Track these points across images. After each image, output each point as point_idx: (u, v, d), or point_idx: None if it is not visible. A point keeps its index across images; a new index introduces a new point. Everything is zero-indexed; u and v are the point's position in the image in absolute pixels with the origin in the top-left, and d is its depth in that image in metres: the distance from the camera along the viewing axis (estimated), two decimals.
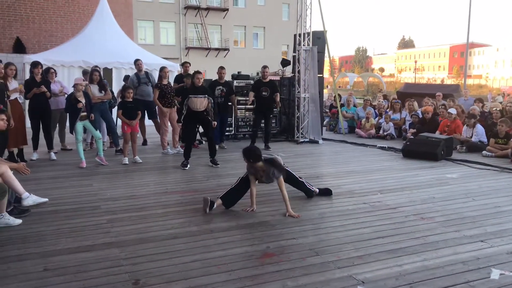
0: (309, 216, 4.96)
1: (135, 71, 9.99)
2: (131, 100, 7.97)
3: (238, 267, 3.59)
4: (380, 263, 3.69)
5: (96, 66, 9.97)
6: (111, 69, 13.53)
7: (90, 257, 3.75)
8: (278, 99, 9.68)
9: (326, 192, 5.86)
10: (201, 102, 7.46)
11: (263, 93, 9.43)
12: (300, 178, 5.75)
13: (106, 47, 13.79)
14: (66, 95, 8.80)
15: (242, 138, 11.08)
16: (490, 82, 58.93)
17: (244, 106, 10.76)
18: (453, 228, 4.59)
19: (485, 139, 9.50)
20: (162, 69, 8.89)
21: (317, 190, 5.81)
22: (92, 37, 14.11)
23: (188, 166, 7.54)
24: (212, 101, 7.65)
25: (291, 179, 5.58)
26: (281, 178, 5.08)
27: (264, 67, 9.73)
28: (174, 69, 14.68)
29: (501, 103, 13.59)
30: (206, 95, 7.55)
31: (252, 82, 11.63)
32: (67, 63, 13.09)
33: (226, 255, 3.83)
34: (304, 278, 3.40)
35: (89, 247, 3.98)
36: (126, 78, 10.41)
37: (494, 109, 10.71)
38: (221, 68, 9.55)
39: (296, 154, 9.26)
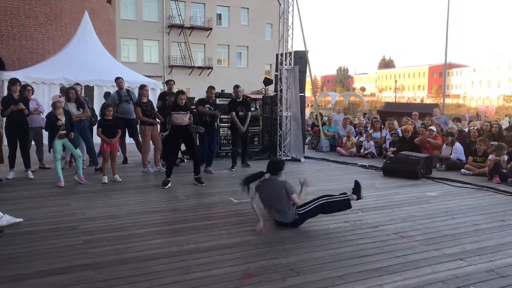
0: (290, 235, 4.93)
1: (117, 89, 9.94)
2: (111, 118, 7.89)
3: None
4: (361, 283, 3.67)
5: (77, 84, 9.87)
6: (93, 87, 13.42)
7: (65, 280, 3.64)
8: (248, 118, 9.54)
9: (356, 189, 5.48)
10: (182, 117, 7.49)
11: (240, 113, 9.42)
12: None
13: (88, 64, 13.69)
14: (41, 114, 8.68)
15: (225, 156, 11.04)
16: (468, 102, 60.34)
17: (227, 125, 10.74)
18: (433, 246, 4.61)
19: (463, 157, 9.66)
20: (142, 87, 8.85)
21: (348, 194, 5.39)
22: (74, 54, 14.02)
23: (169, 184, 7.46)
24: (192, 116, 7.67)
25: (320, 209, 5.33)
26: (294, 197, 5.12)
27: (237, 86, 9.66)
28: (157, 87, 14.65)
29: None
30: (188, 112, 7.59)
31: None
32: (47, 80, 12.94)
33: (205, 276, 3.76)
34: None
35: (64, 269, 3.86)
36: (106, 95, 10.34)
37: (472, 128, 10.93)
38: (211, 88, 9.30)
39: None
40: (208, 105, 9.04)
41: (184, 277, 3.74)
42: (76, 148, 7.69)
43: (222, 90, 12.48)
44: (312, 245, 4.63)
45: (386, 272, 3.91)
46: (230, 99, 10.19)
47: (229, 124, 9.82)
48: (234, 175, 8.84)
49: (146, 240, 4.72)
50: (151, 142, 8.94)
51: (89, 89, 13.34)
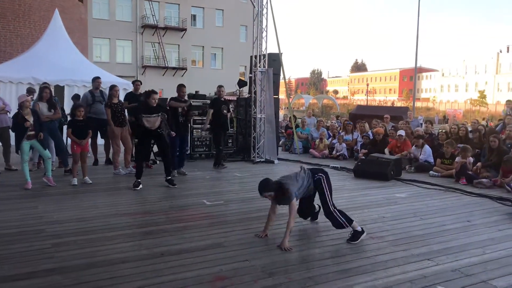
0: (261, 238, 4.93)
1: (89, 89, 9.75)
2: (82, 118, 7.73)
3: None
4: (331, 284, 3.71)
5: (45, 83, 9.63)
6: (63, 87, 13.12)
7: (29, 285, 3.54)
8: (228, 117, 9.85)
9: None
10: (154, 121, 7.36)
11: (224, 111, 9.50)
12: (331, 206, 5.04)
13: (58, 64, 13.37)
14: (8, 113, 8.45)
15: (198, 158, 10.99)
16: (437, 105, 61.91)
17: (200, 126, 10.68)
18: (401, 247, 4.70)
19: (432, 160, 9.90)
20: (112, 88, 8.71)
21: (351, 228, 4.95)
22: (43, 53, 13.66)
23: (140, 186, 7.35)
24: (166, 116, 7.54)
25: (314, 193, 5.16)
26: (292, 204, 4.70)
27: (220, 86, 9.77)
28: (130, 87, 14.42)
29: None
30: (160, 114, 7.45)
31: (209, 101, 11.63)
32: (15, 79, 12.58)
33: (176, 279, 3.72)
34: None
35: (28, 274, 3.75)
36: (76, 97, 10.12)
37: (440, 131, 11.22)
38: (182, 86, 9.05)
39: (252, 174, 9.27)
40: (183, 103, 8.92)
41: (154, 280, 3.69)
42: (45, 149, 7.50)
43: (196, 91, 12.42)
44: None
45: (356, 273, 3.96)
46: (213, 98, 10.20)
47: (210, 126, 9.71)
48: (208, 176, 8.81)
49: (116, 243, 4.64)
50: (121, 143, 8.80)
51: (59, 89, 13.05)
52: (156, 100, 7.46)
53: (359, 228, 4.88)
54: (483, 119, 26.34)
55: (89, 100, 9.34)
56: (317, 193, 5.10)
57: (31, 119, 7.19)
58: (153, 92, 7.54)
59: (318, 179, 5.02)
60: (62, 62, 13.52)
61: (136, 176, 7.44)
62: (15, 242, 4.55)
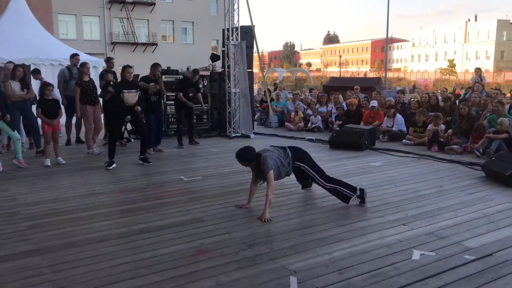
0: (240, 211, 4.97)
1: (56, 68, 9.43)
2: (51, 97, 7.49)
3: (170, 266, 3.51)
4: (311, 252, 3.78)
5: (10, 62, 9.26)
6: (29, 65, 12.62)
7: (7, 267, 3.47)
8: (200, 98, 9.58)
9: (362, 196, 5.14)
10: (133, 97, 7.25)
11: (190, 94, 9.24)
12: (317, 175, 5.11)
13: (22, 42, 12.82)
14: None
15: (173, 135, 10.87)
16: (408, 75, 62.74)
17: (173, 102, 10.51)
18: (377, 213, 4.82)
19: (404, 128, 10.08)
20: (83, 65, 8.45)
21: (354, 194, 5.09)
22: (5, 31, 13.04)
23: (114, 165, 7.24)
24: (141, 94, 7.46)
25: (302, 172, 5.18)
26: (269, 176, 4.69)
27: (195, 72, 9.46)
28: (99, 65, 14.03)
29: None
30: (138, 90, 7.37)
31: (181, 77, 11.42)
32: None
33: (156, 255, 3.72)
34: (237, 272, 3.40)
35: (5, 257, 3.68)
36: (35, 71, 9.69)
37: (412, 100, 11.40)
38: (157, 65, 8.75)
39: (229, 149, 9.24)
40: (153, 84, 8.69)
41: (134, 257, 3.68)
42: (13, 131, 7.27)
43: (167, 67, 12.18)
44: None
45: (334, 240, 4.05)
46: (182, 77, 9.93)
47: (174, 102, 9.58)
48: (184, 153, 8.75)
49: (93, 222, 4.59)
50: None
51: (25, 68, 12.55)
52: (131, 74, 7.35)
53: (358, 192, 5.07)
54: (454, 89, 26.84)
55: (66, 76, 9.06)
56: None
57: None
58: (128, 66, 7.48)
59: (297, 167, 5.05)
60: (27, 40, 12.98)
61: (109, 155, 7.31)
62: None
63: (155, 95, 8.59)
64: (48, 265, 3.52)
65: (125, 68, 7.43)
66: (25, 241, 4.06)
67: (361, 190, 5.13)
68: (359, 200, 5.10)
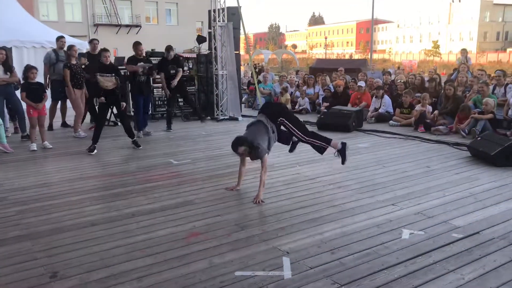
0: (231, 193, 4.99)
1: (39, 50, 9.21)
2: (35, 81, 7.35)
3: (164, 249, 3.52)
4: (302, 233, 3.83)
5: None
6: (11, 48, 12.32)
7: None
8: (179, 76, 9.09)
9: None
10: (109, 81, 7.11)
11: (171, 71, 9.03)
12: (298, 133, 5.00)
13: (3, 24, 12.48)
14: None
15: (160, 118, 10.78)
16: (393, 57, 62.94)
17: (160, 85, 10.39)
18: (367, 194, 4.89)
19: (391, 110, 10.16)
20: (71, 48, 8.26)
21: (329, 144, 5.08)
22: None
23: (95, 151, 7.12)
24: (119, 80, 7.27)
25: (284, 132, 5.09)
26: (264, 159, 4.72)
27: (168, 49, 9.19)
28: (83, 47, 13.72)
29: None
30: (113, 75, 7.17)
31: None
32: None
33: (150, 238, 3.73)
34: (231, 254, 3.43)
35: None
36: (82, 55, 9.47)
37: (398, 81, 11.47)
38: (138, 43, 8.67)
39: (217, 131, 9.23)
40: (141, 63, 8.56)
41: (127, 241, 3.69)
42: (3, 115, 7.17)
43: (152, 49, 11.99)
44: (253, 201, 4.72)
45: (325, 221, 4.10)
46: (160, 58, 9.75)
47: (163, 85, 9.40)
48: (172, 136, 8.70)
49: (83, 206, 4.57)
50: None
51: (7, 51, 12.25)
52: (108, 58, 7.22)
53: (339, 145, 5.03)
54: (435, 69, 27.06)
55: (53, 59, 8.87)
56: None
57: None
58: (104, 50, 7.36)
59: (279, 124, 4.95)
60: (7, 22, 12.62)
61: (93, 140, 7.19)
62: None
63: (144, 75, 8.47)
64: (40, 250, 3.51)
65: (101, 52, 7.32)
66: (15, 226, 4.02)
67: (343, 144, 5.10)
68: (340, 156, 5.07)
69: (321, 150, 5.10)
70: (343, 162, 5.14)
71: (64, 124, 9.49)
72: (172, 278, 3.05)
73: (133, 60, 8.51)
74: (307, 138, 5.02)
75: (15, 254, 3.43)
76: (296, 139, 5.19)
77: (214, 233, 3.84)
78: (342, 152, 5.08)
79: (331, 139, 5.09)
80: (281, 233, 3.84)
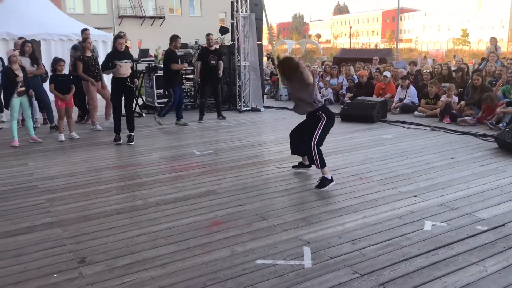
0: (254, 183, 5.04)
1: (66, 43, 9.42)
2: (63, 73, 7.53)
3: (187, 237, 3.60)
4: (323, 223, 3.85)
5: (22, 38, 9.28)
6: (39, 41, 12.66)
7: (30, 238, 3.60)
8: (221, 68, 9.37)
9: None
10: (126, 68, 7.13)
11: (211, 61, 9.09)
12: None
13: (32, 17, 12.83)
14: None
15: (184, 109, 10.89)
16: (420, 46, 61.61)
17: (185, 76, 10.49)
18: (389, 185, 4.86)
19: (416, 100, 10.00)
20: (85, 40, 8.41)
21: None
22: (15, 6, 13.04)
23: (121, 141, 7.25)
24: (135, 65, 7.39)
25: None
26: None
27: (208, 34, 9.42)
28: (108, 39, 14.02)
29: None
30: (131, 61, 7.29)
31: (191, 51, 11.38)
32: None
33: (173, 227, 3.82)
34: (252, 243, 3.48)
35: (28, 228, 3.81)
36: (75, 48, 9.63)
37: (424, 71, 11.26)
38: (176, 37, 8.78)
39: (239, 123, 9.29)
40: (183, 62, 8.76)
41: (151, 229, 3.79)
42: (32, 107, 7.43)
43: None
44: (275, 191, 4.77)
45: (346, 212, 4.11)
46: (201, 48, 9.87)
47: (198, 76, 9.40)
48: (195, 127, 8.80)
49: (110, 195, 4.70)
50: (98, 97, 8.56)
51: (36, 44, 12.58)
52: (123, 45, 7.27)
53: (328, 176, 4.84)
54: (453, 56, 26.23)
55: (79, 51, 9.05)
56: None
57: (21, 74, 6.99)
58: (118, 36, 7.44)
59: (319, 115, 4.88)
60: (36, 16, 12.99)
61: (115, 131, 7.30)
62: (10, 199, 4.57)
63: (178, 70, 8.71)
64: (69, 237, 3.64)
65: (116, 39, 7.30)
66: (45, 213, 4.18)
67: (331, 178, 4.84)
68: (319, 182, 4.84)
69: (313, 161, 4.99)
70: (318, 187, 4.81)
71: (81, 116, 9.59)
72: (194, 266, 3.12)
73: (169, 53, 8.69)
74: (314, 146, 4.88)
75: (45, 240, 3.57)
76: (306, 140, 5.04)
77: (236, 222, 3.90)
78: (325, 181, 4.82)
79: (326, 165, 4.90)
80: (302, 223, 3.87)
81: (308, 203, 4.38)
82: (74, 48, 9.13)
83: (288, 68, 4.77)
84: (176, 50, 8.75)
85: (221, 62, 9.35)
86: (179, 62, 8.67)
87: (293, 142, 5.29)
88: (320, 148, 4.92)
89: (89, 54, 8.31)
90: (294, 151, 5.34)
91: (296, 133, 5.27)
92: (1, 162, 6.13)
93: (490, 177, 5.10)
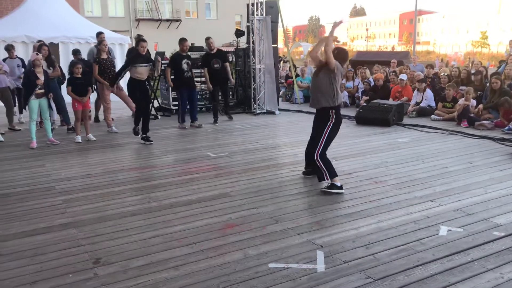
0: (268, 186, 5.04)
1: (83, 46, 9.56)
2: (80, 76, 7.65)
3: (200, 239, 3.62)
4: (337, 227, 3.83)
5: (41, 41, 9.45)
6: (57, 44, 12.89)
7: (47, 239, 3.66)
8: (228, 70, 9.42)
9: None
10: (146, 71, 7.32)
11: (215, 65, 9.17)
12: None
13: (50, 20, 13.07)
14: (6, 73, 8.41)
15: (199, 112, 10.95)
16: (438, 48, 60.89)
17: (199, 79, 10.56)
18: (405, 190, 4.80)
19: (433, 104, 9.88)
20: (100, 42, 8.51)
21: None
22: (34, 10, 13.31)
23: (140, 133, 7.47)
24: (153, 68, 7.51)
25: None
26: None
27: (208, 38, 9.42)
28: (125, 41, 14.21)
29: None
30: (151, 64, 7.41)
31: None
32: (8, 38, 12.30)
33: (187, 229, 3.84)
34: (265, 246, 3.48)
35: (45, 229, 3.87)
36: (75, 52, 9.85)
37: (442, 74, 11.11)
38: (184, 40, 8.91)
39: (254, 125, 9.29)
40: (186, 60, 8.76)
41: (165, 231, 3.81)
42: (51, 109, 7.58)
43: (192, 44, 12.19)
44: (289, 194, 4.76)
45: (360, 216, 4.08)
46: (203, 53, 9.93)
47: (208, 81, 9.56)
48: (210, 129, 8.84)
49: (125, 197, 4.74)
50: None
51: (54, 47, 12.82)
52: (145, 48, 7.38)
53: (338, 184, 4.74)
54: (468, 59, 25.85)
55: (96, 55, 9.20)
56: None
57: (42, 77, 7.14)
58: (142, 40, 7.50)
59: (330, 114, 4.77)
60: (55, 19, 13.22)
61: (135, 123, 7.54)
62: (27, 200, 4.65)
63: (189, 71, 8.73)
64: (84, 237, 3.69)
65: (139, 42, 7.42)
66: (61, 214, 4.24)
67: (340, 186, 4.74)
68: (329, 185, 4.76)
69: (320, 178, 4.87)
70: (326, 188, 4.74)
71: (96, 119, 9.69)
72: (208, 268, 3.14)
73: (177, 56, 8.77)
74: (318, 159, 4.78)
75: (61, 241, 3.63)
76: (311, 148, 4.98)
77: (249, 225, 3.90)
78: (333, 187, 4.72)
79: (337, 175, 4.80)
80: (316, 226, 3.85)
81: (322, 206, 4.36)
82: (74, 53, 9.31)
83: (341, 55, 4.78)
84: (184, 53, 8.79)
85: (226, 64, 9.39)
86: (182, 65, 8.64)
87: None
88: (326, 157, 4.81)
89: (104, 56, 8.42)
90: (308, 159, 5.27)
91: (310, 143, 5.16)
92: (19, 163, 6.25)
93: (508, 182, 5.01)
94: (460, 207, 4.23)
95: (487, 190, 4.72)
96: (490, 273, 2.99)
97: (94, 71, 8.30)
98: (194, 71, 9.28)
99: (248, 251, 3.40)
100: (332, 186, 4.76)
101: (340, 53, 4.88)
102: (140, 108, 7.52)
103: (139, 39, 7.50)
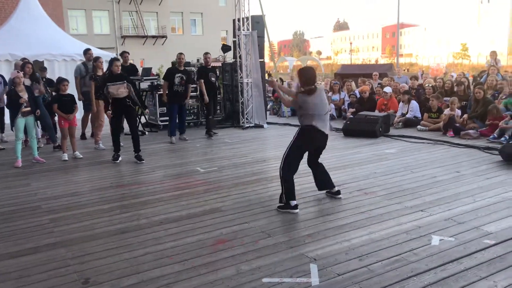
0: (258, 200, 5.01)
1: (69, 63, 9.48)
2: (66, 93, 7.57)
3: (192, 256, 3.56)
4: (330, 240, 3.81)
5: (25, 59, 9.36)
6: (42, 61, 12.78)
7: (34, 260, 3.57)
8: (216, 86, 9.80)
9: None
10: (118, 89, 7.12)
11: (212, 78, 9.45)
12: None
13: (35, 38, 12.96)
14: None
15: (187, 126, 10.91)
16: (420, 60, 61.92)
17: (194, 94, 10.52)
18: (395, 200, 4.82)
19: (419, 114, 10.00)
20: (96, 59, 8.48)
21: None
22: (18, 28, 13.21)
23: (120, 159, 7.30)
24: (132, 88, 7.30)
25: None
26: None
27: (207, 53, 9.64)
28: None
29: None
30: (125, 81, 7.23)
31: (193, 69, 11.43)
32: None
33: (178, 245, 3.79)
34: (258, 261, 3.44)
35: (31, 249, 3.78)
36: (42, 69, 9.69)
37: (426, 85, 11.27)
38: (180, 54, 9.03)
39: (242, 139, 9.28)
40: (179, 74, 8.80)
41: (156, 248, 3.75)
42: (37, 127, 7.46)
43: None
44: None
45: (352, 228, 4.07)
46: (199, 66, 10.07)
47: (198, 93, 9.71)
48: (199, 144, 8.80)
49: (113, 214, 4.67)
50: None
51: (39, 64, 12.69)
52: (119, 67, 7.32)
53: (293, 203, 4.57)
54: (464, 72, 26.46)
55: (83, 72, 9.11)
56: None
57: (25, 96, 7.03)
58: (115, 59, 7.49)
59: (298, 130, 4.77)
60: (39, 36, 13.12)
61: (114, 149, 7.36)
62: (13, 220, 4.55)
63: (181, 85, 8.83)
64: (73, 257, 3.61)
65: (112, 61, 7.34)
66: (49, 233, 4.15)
67: (295, 206, 4.59)
68: (282, 204, 4.66)
69: (281, 197, 4.68)
70: (279, 208, 4.63)
71: (83, 136, 9.56)
72: (200, 285, 3.08)
73: (172, 69, 8.97)
74: (280, 173, 4.66)
75: (49, 261, 3.54)
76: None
77: (241, 240, 3.86)
78: (287, 206, 4.58)
79: (294, 199, 4.60)
80: (308, 240, 3.83)
81: (314, 219, 4.35)
82: (41, 69, 9.33)
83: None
84: (180, 67, 8.93)
85: (216, 81, 9.72)
86: (174, 79, 8.74)
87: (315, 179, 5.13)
88: (292, 179, 4.62)
89: (100, 73, 8.36)
90: (319, 186, 5.12)
91: (309, 164, 5.11)
92: (4, 182, 6.12)
93: (496, 190, 5.06)
94: (450, 216, 4.25)
95: (476, 199, 4.76)
96: (483, 282, 3.00)
97: (92, 88, 8.22)
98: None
99: (240, 266, 3.35)
100: (285, 205, 4.59)
101: (303, 76, 4.79)
102: (117, 133, 7.44)
103: (113, 59, 7.50)
